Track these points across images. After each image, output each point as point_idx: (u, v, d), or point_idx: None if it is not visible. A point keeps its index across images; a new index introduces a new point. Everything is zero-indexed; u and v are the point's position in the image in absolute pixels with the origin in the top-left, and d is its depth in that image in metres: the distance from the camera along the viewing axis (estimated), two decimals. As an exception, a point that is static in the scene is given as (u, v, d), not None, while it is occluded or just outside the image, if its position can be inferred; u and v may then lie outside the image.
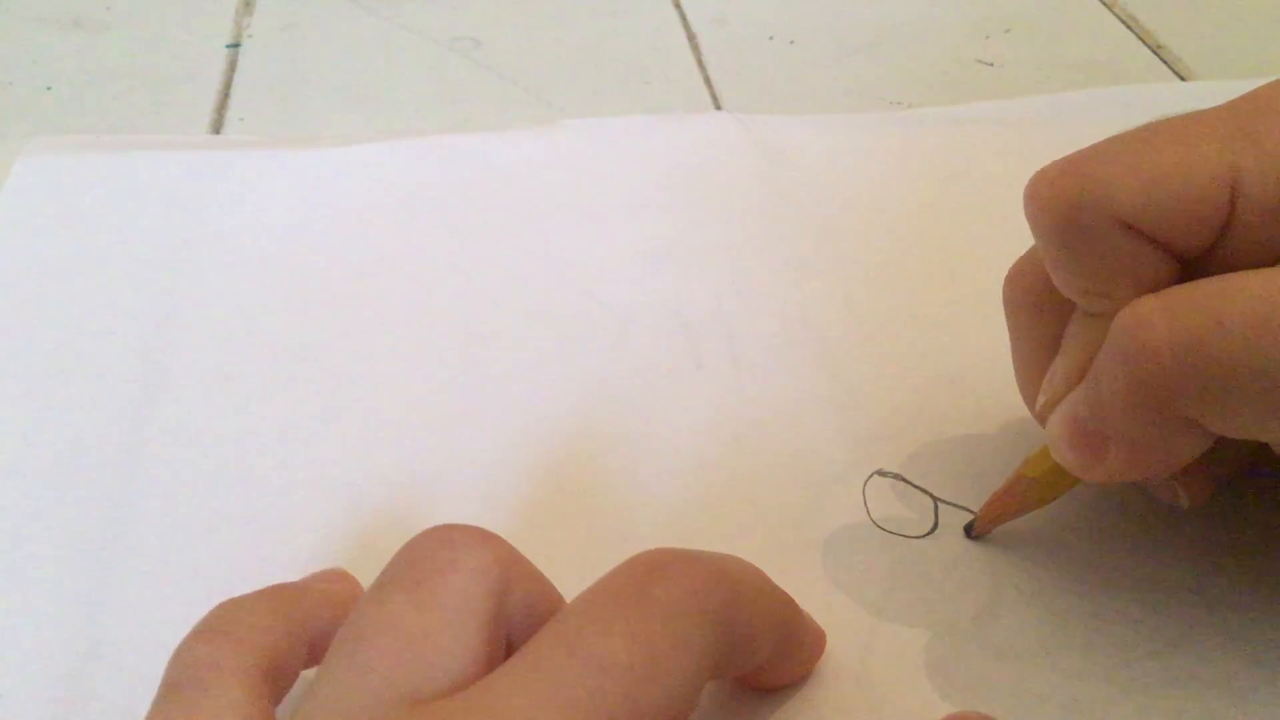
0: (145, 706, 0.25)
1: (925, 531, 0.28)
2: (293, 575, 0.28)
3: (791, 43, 0.50)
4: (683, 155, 0.42)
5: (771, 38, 0.51)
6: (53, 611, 0.27)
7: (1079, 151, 0.24)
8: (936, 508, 0.29)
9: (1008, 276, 0.28)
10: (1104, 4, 0.52)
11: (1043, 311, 0.26)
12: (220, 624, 0.22)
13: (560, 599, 0.23)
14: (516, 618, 0.21)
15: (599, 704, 0.19)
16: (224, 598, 0.27)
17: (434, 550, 0.21)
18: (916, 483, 0.29)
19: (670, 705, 0.20)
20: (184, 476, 0.30)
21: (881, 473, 0.30)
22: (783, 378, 0.33)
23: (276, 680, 0.22)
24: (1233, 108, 0.23)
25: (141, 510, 0.29)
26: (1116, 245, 0.23)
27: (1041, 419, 0.26)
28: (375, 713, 0.19)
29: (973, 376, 0.32)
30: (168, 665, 0.22)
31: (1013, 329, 0.28)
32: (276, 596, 0.23)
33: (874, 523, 0.29)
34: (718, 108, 0.46)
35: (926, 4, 0.53)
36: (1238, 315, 0.21)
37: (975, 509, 0.29)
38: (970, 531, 0.28)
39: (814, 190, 0.40)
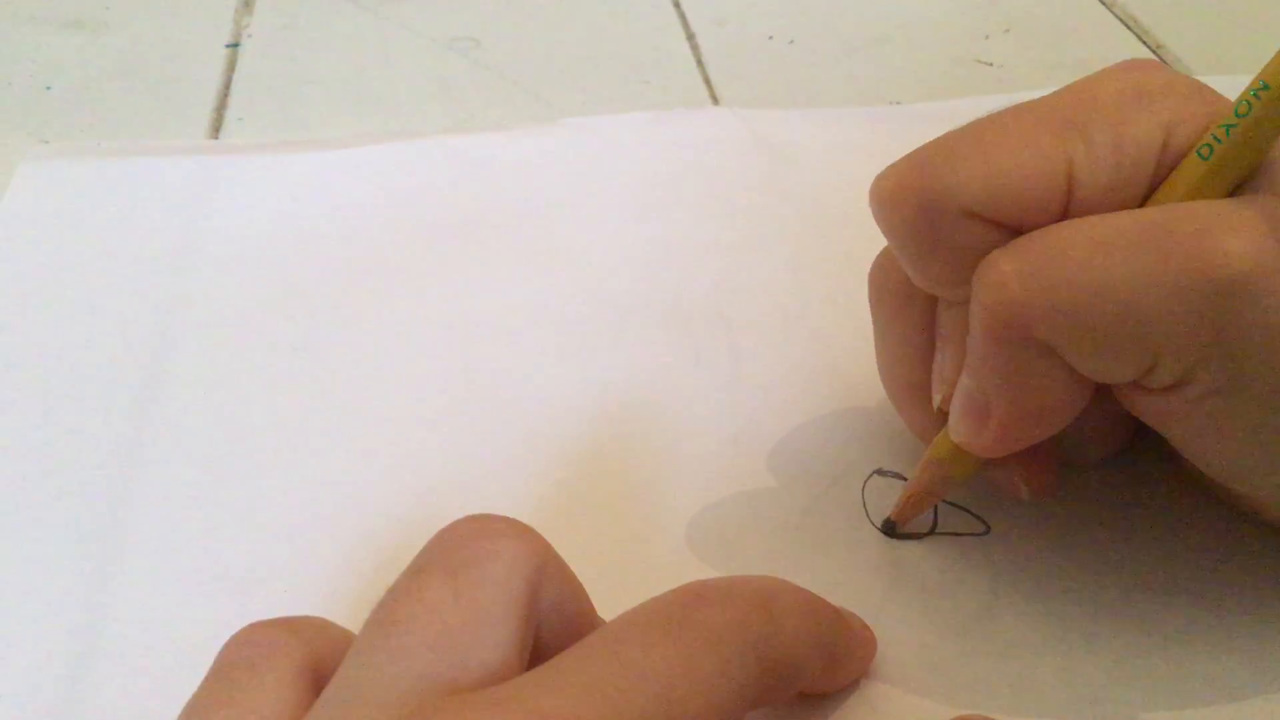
0: (145, 706, 0.25)
1: (925, 531, 0.28)
2: (293, 575, 0.28)
3: (791, 43, 0.50)
4: (682, 151, 0.42)
5: (771, 38, 0.51)
6: (53, 611, 0.27)
7: (918, 150, 0.25)
8: (936, 507, 0.29)
9: (871, 270, 0.29)
10: (1104, 4, 0.52)
11: (907, 302, 0.28)
12: (280, 619, 0.22)
13: (588, 598, 0.22)
14: (548, 612, 0.21)
15: (634, 705, 0.19)
16: (224, 598, 0.27)
17: (472, 539, 0.21)
18: None
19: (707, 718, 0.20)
20: (184, 476, 0.30)
21: (881, 472, 0.30)
22: (782, 374, 0.33)
23: (322, 675, 0.21)
24: (1056, 102, 0.24)
25: (141, 510, 0.29)
26: (966, 233, 0.24)
27: (943, 413, 0.27)
28: (410, 699, 0.19)
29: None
30: (223, 646, 0.22)
31: (878, 321, 0.29)
32: (332, 624, 0.23)
33: (873, 523, 0.29)
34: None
35: (926, 4, 0.53)
36: (1075, 242, 0.23)
37: (974, 509, 0.29)
38: (892, 529, 0.28)
39: (813, 185, 0.40)
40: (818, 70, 0.48)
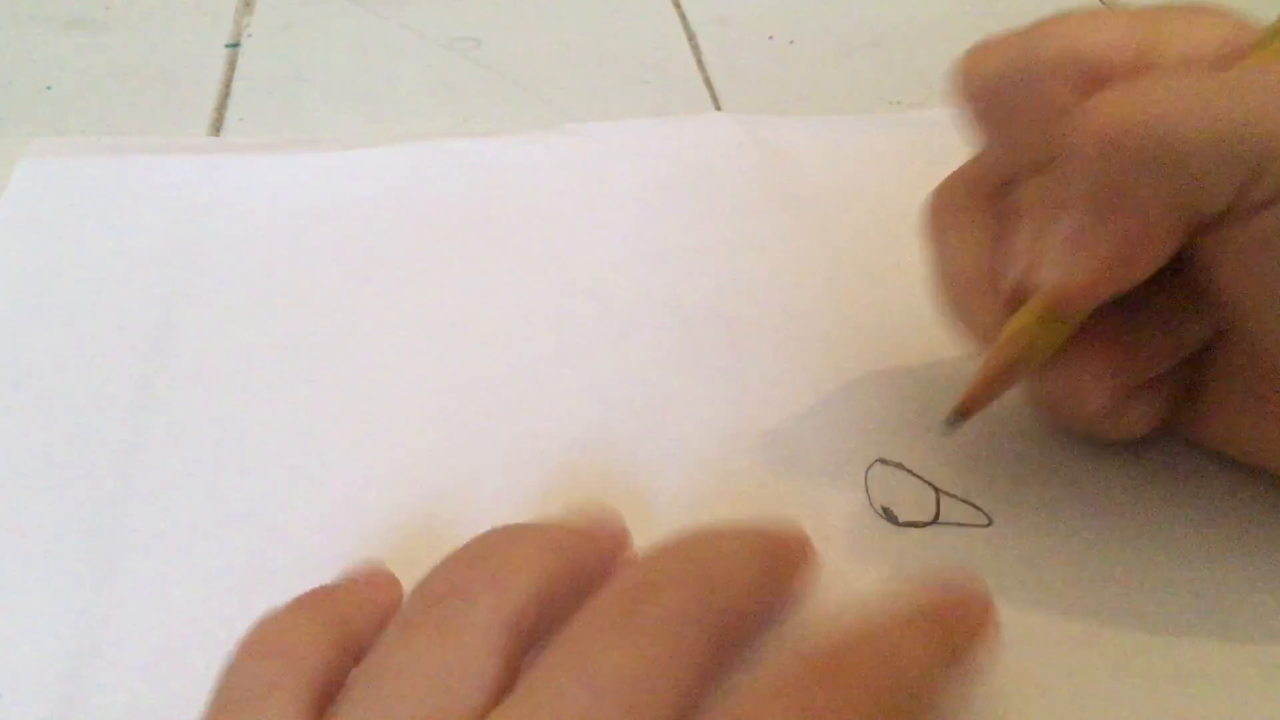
0: (145, 706, 0.25)
1: (927, 521, 0.28)
2: (292, 575, 0.28)
3: (791, 43, 0.50)
4: (683, 156, 0.42)
5: (771, 38, 0.51)
6: (53, 611, 0.27)
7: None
8: (938, 498, 0.29)
9: (930, 199, 0.29)
10: (1104, 4, 0.52)
11: (971, 209, 0.28)
12: (273, 643, 0.23)
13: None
14: (562, 615, 0.22)
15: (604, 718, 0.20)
16: (224, 598, 0.27)
17: (454, 592, 0.22)
18: (918, 473, 0.29)
19: (673, 710, 0.20)
20: (184, 476, 0.30)
21: (883, 461, 0.30)
22: (783, 376, 0.33)
23: (326, 698, 0.22)
24: (1124, 9, 0.26)
25: (141, 510, 0.29)
26: (1052, 88, 0.25)
27: (1021, 293, 0.27)
28: None
29: (973, 369, 0.33)
30: (221, 680, 0.22)
31: (939, 236, 0.29)
32: (320, 610, 0.24)
33: (875, 511, 0.29)
34: (717, 107, 0.46)
35: (926, 4, 0.53)
36: (1176, 71, 0.24)
37: (977, 501, 0.29)
38: (958, 416, 0.27)
39: (814, 190, 0.40)
40: (818, 70, 0.48)
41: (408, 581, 0.26)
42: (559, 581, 0.23)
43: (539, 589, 0.22)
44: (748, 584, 0.23)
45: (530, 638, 0.22)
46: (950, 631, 0.24)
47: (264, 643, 0.23)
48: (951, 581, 0.25)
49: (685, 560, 0.23)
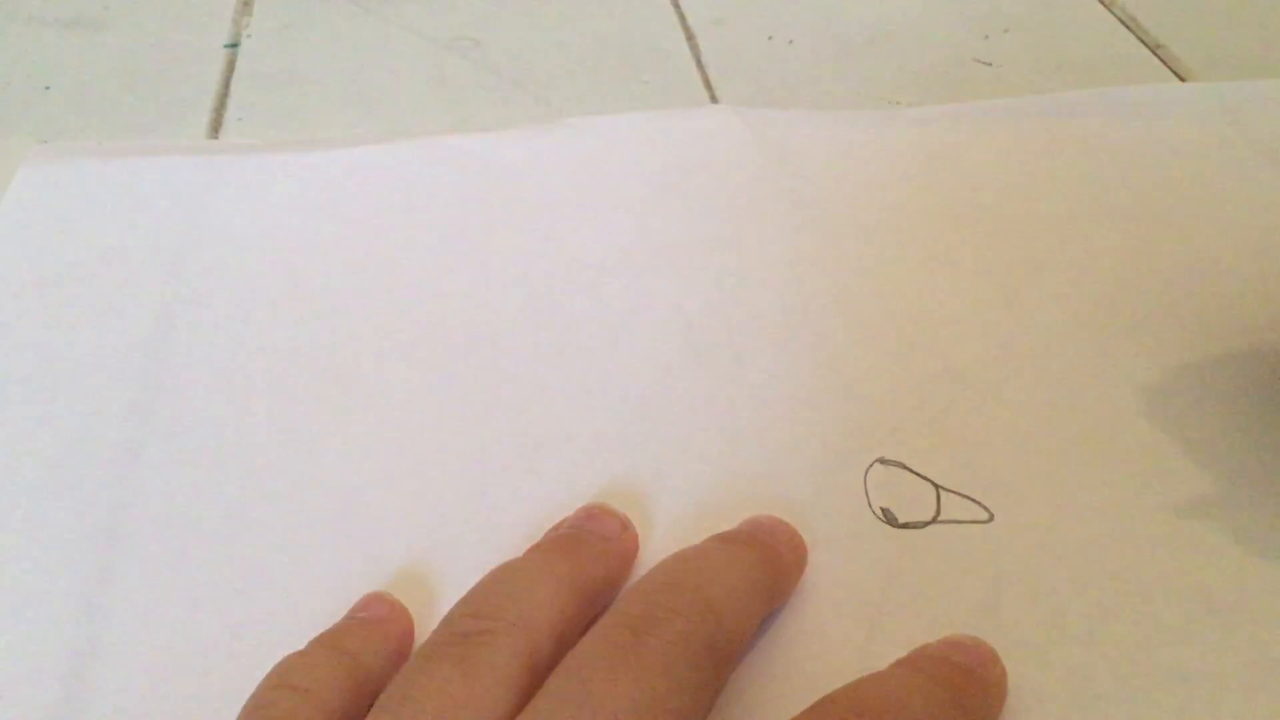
0: (145, 706, 0.25)
1: (928, 519, 0.28)
2: (292, 577, 0.28)
3: (791, 42, 0.50)
4: (682, 150, 0.42)
5: (771, 37, 0.51)
6: (53, 611, 0.27)
7: None
8: (939, 496, 0.29)
9: None
10: (1103, 4, 0.52)
11: None
12: (300, 680, 0.24)
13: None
14: (574, 640, 0.23)
15: None
16: (224, 598, 0.27)
17: (476, 631, 0.23)
18: (919, 471, 0.29)
19: None
20: (184, 477, 0.30)
21: (883, 461, 0.30)
22: (782, 369, 0.33)
23: None
24: None
25: (141, 511, 0.29)
26: None
27: None
28: None
29: (972, 367, 0.33)
30: (246, 711, 0.23)
31: None
32: (337, 650, 0.25)
33: (874, 512, 0.29)
34: (717, 107, 0.46)
35: (926, 4, 0.53)
36: None
37: (976, 496, 0.29)
38: None
39: (813, 184, 0.40)
40: (817, 70, 0.48)
41: (407, 583, 0.26)
42: (574, 622, 0.24)
43: (557, 632, 0.24)
44: (745, 611, 0.24)
45: (546, 673, 0.23)
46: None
47: (286, 677, 0.24)
48: (964, 646, 0.25)
49: (685, 591, 0.24)
